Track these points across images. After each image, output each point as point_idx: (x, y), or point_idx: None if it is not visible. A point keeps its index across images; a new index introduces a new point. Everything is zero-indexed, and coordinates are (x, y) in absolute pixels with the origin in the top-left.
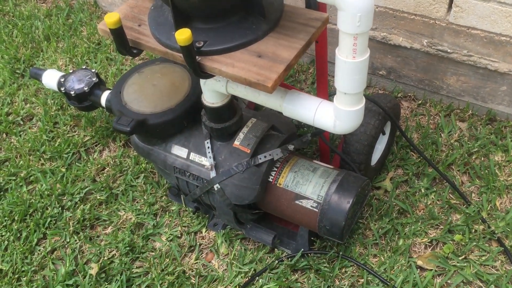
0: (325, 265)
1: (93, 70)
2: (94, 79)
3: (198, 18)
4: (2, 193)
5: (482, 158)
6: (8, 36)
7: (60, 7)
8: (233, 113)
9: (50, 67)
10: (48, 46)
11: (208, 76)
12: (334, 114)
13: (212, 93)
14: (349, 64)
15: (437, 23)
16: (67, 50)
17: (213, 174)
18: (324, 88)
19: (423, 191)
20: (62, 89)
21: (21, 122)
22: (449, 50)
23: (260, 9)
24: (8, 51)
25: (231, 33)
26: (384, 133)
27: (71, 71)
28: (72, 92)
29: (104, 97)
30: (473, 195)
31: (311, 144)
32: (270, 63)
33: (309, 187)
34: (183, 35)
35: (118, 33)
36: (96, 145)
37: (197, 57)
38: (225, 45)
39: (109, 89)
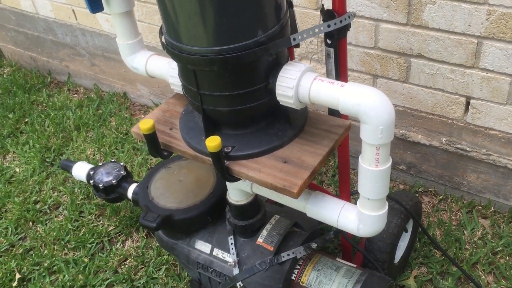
0: None
1: (121, 163)
2: (122, 172)
3: (227, 125)
4: (25, 283)
5: (507, 258)
6: (40, 125)
7: (91, 98)
8: (257, 210)
9: (79, 157)
10: (78, 135)
11: (235, 179)
12: (358, 218)
13: (237, 191)
14: (372, 172)
15: (455, 123)
16: (96, 140)
17: (236, 271)
18: (346, 190)
19: None
20: (91, 181)
21: (48, 211)
22: (468, 149)
23: (286, 116)
24: (40, 140)
25: (258, 139)
26: (406, 231)
27: (100, 163)
28: (100, 185)
29: (131, 190)
30: None
31: (333, 239)
32: (295, 168)
33: (333, 287)
34: (213, 143)
35: (151, 138)
36: (119, 235)
37: (225, 161)
38: (253, 150)
39: (136, 182)
